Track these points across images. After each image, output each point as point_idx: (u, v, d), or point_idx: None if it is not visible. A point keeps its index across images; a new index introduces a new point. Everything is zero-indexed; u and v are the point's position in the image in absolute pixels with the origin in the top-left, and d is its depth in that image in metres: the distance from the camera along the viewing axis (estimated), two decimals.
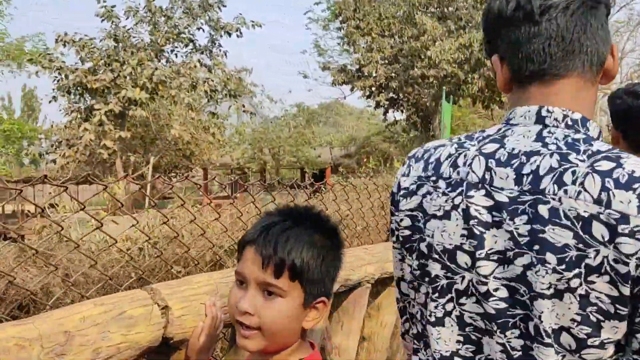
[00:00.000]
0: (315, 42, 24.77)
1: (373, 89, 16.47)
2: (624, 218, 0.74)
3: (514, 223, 0.81)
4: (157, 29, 16.59)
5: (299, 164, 26.23)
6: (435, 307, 0.92)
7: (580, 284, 0.76)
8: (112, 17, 15.55)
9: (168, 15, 16.46)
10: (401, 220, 0.99)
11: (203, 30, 17.36)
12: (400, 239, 1.00)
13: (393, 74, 15.59)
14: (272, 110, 29.55)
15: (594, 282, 0.76)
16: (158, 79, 14.98)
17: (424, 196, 0.94)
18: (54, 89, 15.69)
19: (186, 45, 17.64)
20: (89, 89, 15.65)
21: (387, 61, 15.94)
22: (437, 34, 14.88)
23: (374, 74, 15.70)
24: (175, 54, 17.71)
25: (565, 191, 0.77)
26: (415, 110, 16.97)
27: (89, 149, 15.67)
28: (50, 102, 16.05)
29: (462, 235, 0.87)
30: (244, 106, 18.06)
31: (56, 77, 15.49)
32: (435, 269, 0.91)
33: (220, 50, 17.38)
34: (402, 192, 0.99)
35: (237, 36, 16.89)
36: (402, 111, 17.91)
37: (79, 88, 15.79)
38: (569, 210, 0.77)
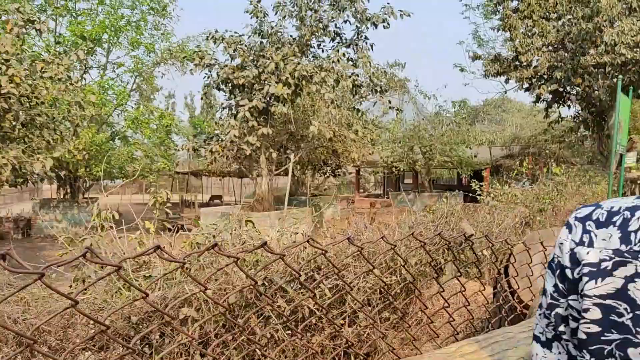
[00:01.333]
0: (474, 32, 22.82)
1: (533, 80, 14.34)
2: None
3: None
4: (304, 23, 16.32)
5: (451, 164, 24.55)
6: None
7: None
8: (258, 13, 15.59)
9: (314, 8, 16.09)
10: (586, 309, 0.73)
11: (350, 22, 16.72)
12: (583, 336, 0.73)
13: (558, 63, 13.33)
14: (425, 106, 28.01)
15: None
16: (300, 74, 14.64)
17: (628, 280, 0.70)
18: (204, 86, 16.21)
19: (332, 39, 17.16)
20: (236, 85, 15.92)
21: (550, 48, 13.74)
22: (615, 13, 12.34)
23: (535, 63, 13.61)
24: (322, 49, 17.34)
25: None
26: (585, 105, 14.43)
27: (235, 145, 15.95)
28: (201, 98, 16.65)
29: None
30: (389, 102, 17.07)
31: (206, 74, 16.00)
32: None
33: (366, 43, 16.58)
34: (584, 268, 0.74)
35: (384, 27, 15.95)
36: (568, 106, 15.43)
37: (227, 84, 16.17)
38: None
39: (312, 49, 17.39)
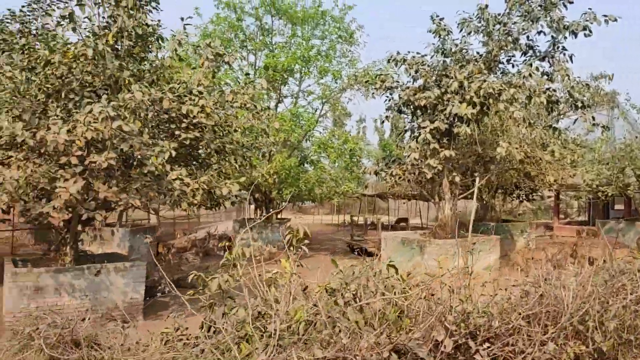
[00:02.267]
0: None
1: None
2: None
3: None
4: (491, 37, 15.27)
5: None
6: None
7: None
8: (441, 32, 15.01)
9: (503, 21, 14.95)
10: None
11: (544, 33, 15.18)
12: None
13: None
14: (639, 122, 24.34)
15: None
16: (485, 92, 13.65)
17: None
18: (386, 109, 16.08)
19: (524, 53, 15.75)
20: (417, 107, 15.48)
21: None
22: None
23: None
24: (512, 64, 16.02)
25: None
26: None
27: (416, 168, 15.47)
28: (382, 122, 16.53)
29: None
30: (593, 118, 14.98)
31: (387, 97, 15.86)
32: None
33: (564, 55, 14.85)
34: None
35: (585, 35, 14.11)
36: None
37: (409, 106, 15.82)
38: None
39: (500, 65, 16.18)
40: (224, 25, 21.65)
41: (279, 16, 22.57)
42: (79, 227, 11.42)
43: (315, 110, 23.25)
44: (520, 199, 26.13)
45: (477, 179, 15.02)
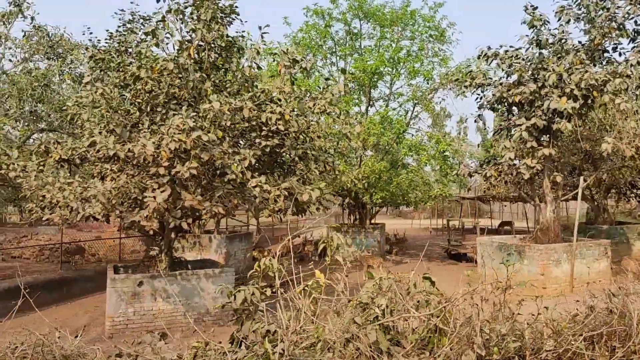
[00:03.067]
0: None
1: None
2: None
3: None
4: (594, 25, 14.03)
5: None
6: None
7: None
8: (535, 21, 14.02)
9: (606, 6, 13.68)
10: None
11: None
12: None
13: None
14: None
15: None
16: (587, 84, 12.54)
17: None
18: (478, 108, 15.32)
19: (632, 40, 14.31)
20: (511, 104, 14.59)
21: None
22: None
23: None
24: (620, 52, 14.61)
25: None
26: None
27: (513, 168, 14.56)
28: (475, 121, 15.77)
29: None
30: None
31: (478, 94, 15.09)
32: None
33: None
34: None
35: None
36: None
37: (502, 103, 14.97)
38: None
39: (606, 55, 14.82)
40: (314, 33, 21.86)
41: (367, 19, 22.39)
42: (172, 235, 11.97)
43: (407, 113, 22.77)
44: (638, 199, 23.80)
45: (582, 179, 13.85)
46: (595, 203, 22.51)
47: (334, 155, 11.29)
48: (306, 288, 3.56)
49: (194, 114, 8.58)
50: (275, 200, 9.72)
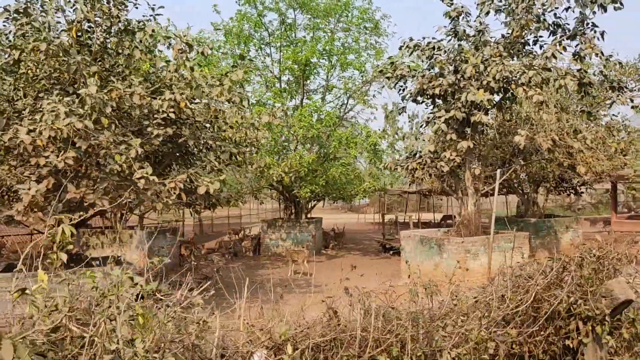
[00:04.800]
0: None
1: None
2: None
3: None
4: (514, 17, 13.99)
5: None
6: None
7: None
8: (452, 13, 13.90)
9: None
10: None
11: (572, 10, 13.75)
12: None
13: None
14: None
15: None
16: (502, 76, 12.47)
17: None
18: (401, 99, 15.12)
19: (553, 33, 14.36)
20: (432, 96, 14.44)
21: None
22: None
23: None
24: (540, 45, 14.64)
25: None
26: None
27: (434, 161, 14.44)
28: (400, 113, 15.57)
29: None
30: (632, 101, 13.44)
31: (401, 86, 14.88)
32: None
33: (594, 32, 13.38)
34: None
35: (615, 9, 12.62)
36: None
37: (425, 95, 14.79)
38: None
39: (529, 48, 14.83)
40: (245, 22, 21.27)
41: (302, 10, 21.94)
42: (74, 230, 11.23)
43: (342, 106, 22.49)
44: (568, 192, 24.24)
45: (498, 172, 13.83)
46: (526, 197, 22.80)
47: (240, 147, 10.78)
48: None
49: (69, 99, 7.92)
50: (169, 194, 9.18)
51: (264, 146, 17.60)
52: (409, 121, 15.01)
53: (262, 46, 22.41)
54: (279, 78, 22.29)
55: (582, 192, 25.01)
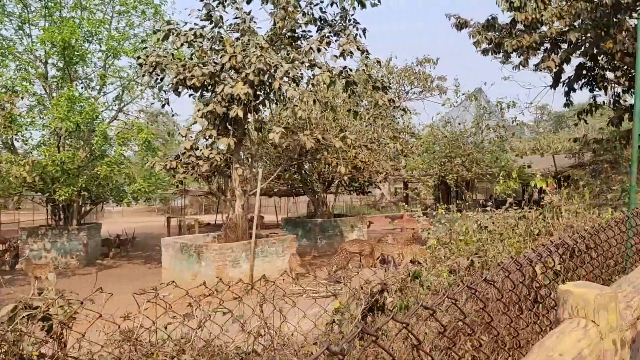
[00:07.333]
0: None
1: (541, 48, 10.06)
2: None
3: None
4: (278, 8, 13.18)
5: (490, 176, 20.46)
6: None
7: None
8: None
9: None
10: None
11: (337, 4, 13.38)
12: None
13: (584, 22, 8.89)
14: (468, 109, 23.82)
15: None
16: (256, 68, 11.50)
17: None
18: (159, 90, 13.48)
19: (320, 28, 13.89)
20: (196, 86, 13.05)
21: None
22: None
23: (547, 24, 9.38)
24: (307, 39, 14.09)
25: None
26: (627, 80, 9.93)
27: (193, 160, 13.04)
28: (163, 105, 13.92)
29: None
30: (393, 101, 13.49)
31: (157, 75, 13.24)
32: None
33: (356, 28, 13.16)
34: None
35: (372, 5, 12.50)
36: (600, 88, 10.82)
37: (187, 86, 13.34)
38: None
39: (298, 43, 14.20)
40: None
41: None
42: None
43: (117, 97, 20.09)
44: (357, 192, 24.79)
45: (260, 172, 12.93)
46: (316, 197, 22.69)
47: None
48: None
49: None
50: None
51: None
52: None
53: (20, 24, 19.08)
54: (44, 62, 19.18)
55: (369, 192, 25.80)
